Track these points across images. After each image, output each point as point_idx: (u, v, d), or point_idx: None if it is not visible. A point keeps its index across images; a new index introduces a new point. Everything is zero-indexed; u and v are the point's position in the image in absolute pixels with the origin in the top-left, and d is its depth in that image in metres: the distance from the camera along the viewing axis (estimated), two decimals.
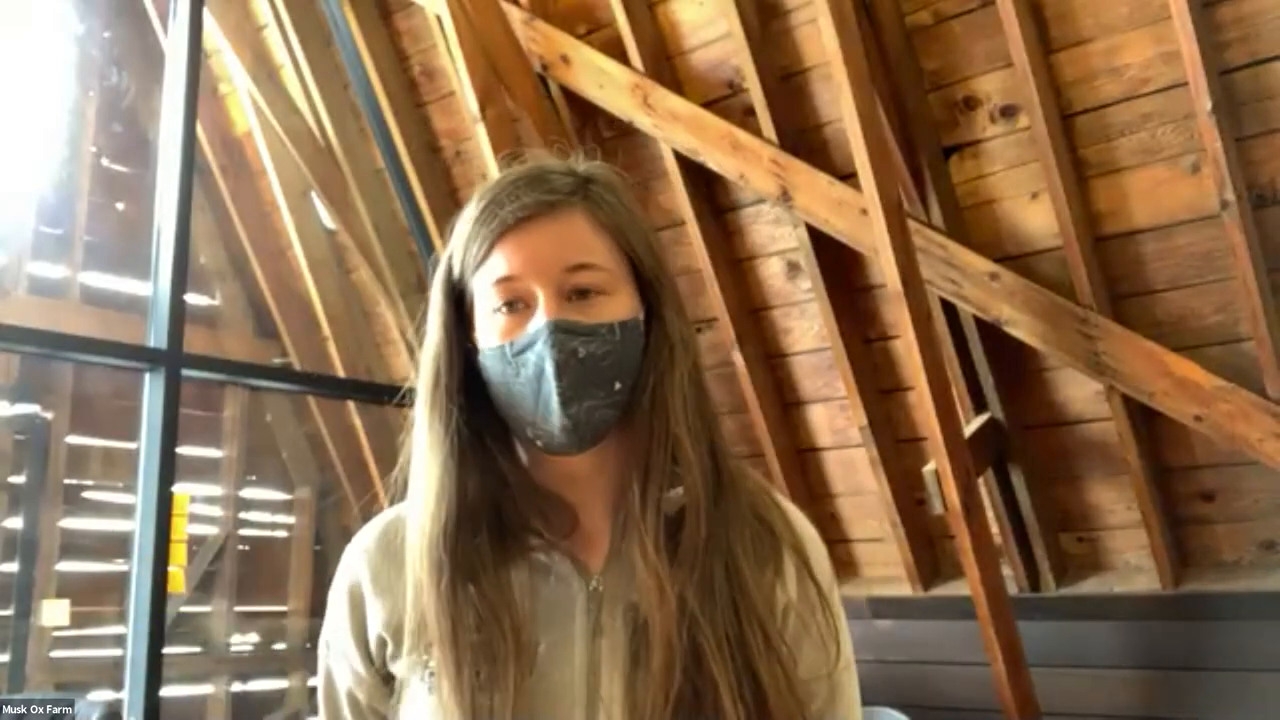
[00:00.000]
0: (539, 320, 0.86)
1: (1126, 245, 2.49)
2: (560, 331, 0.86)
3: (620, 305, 0.90)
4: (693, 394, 0.91)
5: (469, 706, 0.83)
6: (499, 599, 0.87)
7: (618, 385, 0.89)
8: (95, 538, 4.11)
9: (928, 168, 2.65)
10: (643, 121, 2.91)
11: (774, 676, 0.86)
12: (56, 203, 4.14)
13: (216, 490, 4.51)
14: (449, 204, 3.61)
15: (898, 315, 2.44)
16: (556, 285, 0.88)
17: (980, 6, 2.50)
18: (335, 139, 3.79)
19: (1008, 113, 2.56)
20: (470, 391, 0.92)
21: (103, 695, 3.76)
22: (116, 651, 3.83)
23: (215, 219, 4.40)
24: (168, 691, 2.91)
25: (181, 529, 3.92)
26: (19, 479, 3.96)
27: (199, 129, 3.55)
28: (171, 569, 2.98)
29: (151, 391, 3.01)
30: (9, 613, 3.83)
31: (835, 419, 3.09)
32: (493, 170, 2.86)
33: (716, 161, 2.83)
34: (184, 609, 4.31)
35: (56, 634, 3.90)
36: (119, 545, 3.89)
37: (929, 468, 2.50)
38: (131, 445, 3.47)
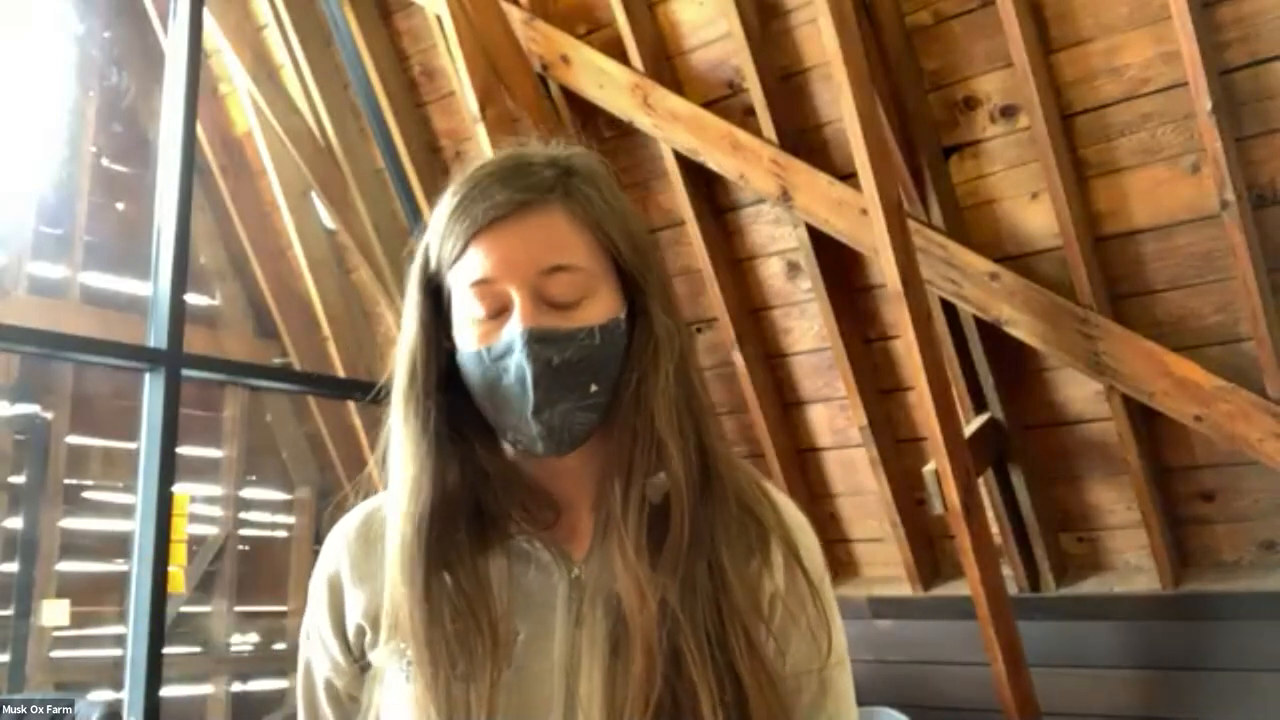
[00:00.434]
0: (514, 327, 0.84)
1: (1126, 245, 2.49)
2: (535, 341, 0.84)
3: (601, 306, 0.87)
4: (678, 391, 0.89)
5: (444, 699, 0.83)
6: (476, 592, 0.86)
7: (594, 388, 0.87)
8: (95, 538, 4.10)
9: (928, 168, 2.65)
10: (643, 121, 2.91)
11: (755, 677, 0.84)
12: (56, 203, 4.13)
13: (216, 490, 4.51)
14: None
15: (898, 315, 2.44)
16: (532, 289, 0.85)
17: (980, 6, 2.50)
18: (335, 139, 3.79)
19: (1008, 113, 2.56)
20: (450, 383, 0.90)
21: (103, 695, 3.76)
22: (116, 651, 3.83)
23: (215, 219, 4.40)
24: (168, 691, 2.91)
25: (181, 529, 3.92)
26: (19, 479, 3.96)
27: (199, 129, 3.55)
28: (171, 569, 2.98)
29: (151, 391, 3.01)
30: (9, 613, 3.83)
31: (835, 419, 3.09)
32: None
33: (716, 161, 2.83)
34: (184, 609, 4.31)
35: (56, 634, 3.90)
36: (119, 545, 3.89)
37: (929, 468, 2.50)
38: (131, 445, 3.47)
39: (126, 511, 3.79)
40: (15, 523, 3.93)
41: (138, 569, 2.87)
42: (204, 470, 4.46)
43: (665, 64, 2.99)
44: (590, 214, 0.88)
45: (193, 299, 3.76)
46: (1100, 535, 2.79)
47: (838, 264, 2.88)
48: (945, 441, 2.41)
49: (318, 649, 0.96)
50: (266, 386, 4.27)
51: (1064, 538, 2.84)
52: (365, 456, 4.24)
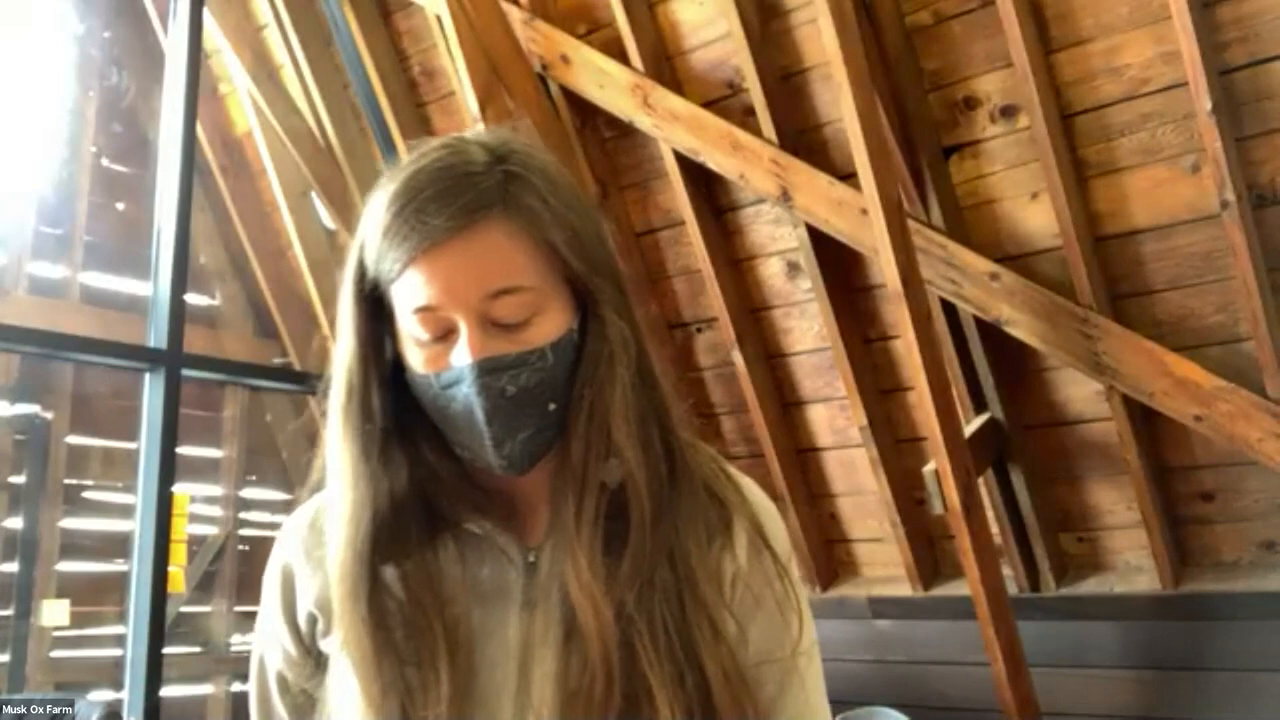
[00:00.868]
0: (462, 358, 0.81)
1: (1126, 245, 2.49)
2: (485, 373, 0.80)
3: (551, 323, 0.83)
4: (635, 398, 0.85)
5: (393, 689, 0.81)
6: (425, 581, 0.84)
7: (552, 406, 0.84)
8: (95, 538, 4.10)
9: (928, 168, 2.65)
10: (643, 121, 2.91)
11: (719, 667, 0.82)
12: (56, 203, 4.13)
13: (216, 490, 4.51)
14: None
15: (898, 315, 2.44)
16: (478, 315, 0.81)
17: (980, 6, 2.50)
18: (335, 139, 3.79)
19: (1008, 113, 2.56)
20: (399, 386, 0.86)
21: (103, 695, 3.76)
22: (116, 651, 3.83)
23: (215, 219, 4.40)
24: (168, 691, 2.92)
25: (181, 529, 3.92)
26: (19, 479, 3.96)
27: (199, 129, 3.56)
28: (171, 569, 2.98)
29: (151, 391, 3.02)
30: (9, 613, 3.83)
31: (835, 419, 3.10)
32: None
33: (716, 161, 2.83)
34: (184, 609, 4.31)
35: (56, 634, 3.90)
36: (119, 545, 3.89)
37: (929, 468, 2.50)
38: (131, 445, 3.47)
39: (126, 511, 3.79)
40: (15, 523, 3.93)
41: (138, 569, 2.88)
42: (204, 470, 4.46)
43: (665, 64, 2.99)
44: (534, 226, 0.83)
45: (193, 299, 3.76)
46: (1100, 535, 2.79)
47: (838, 264, 2.88)
48: (945, 441, 2.41)
49: (271, 641, 0.94)
50: (266, 386, 4.27)
51: (1064, 538, 2.84)
52: None
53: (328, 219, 4.05)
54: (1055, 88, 2.45)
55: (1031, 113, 2.43)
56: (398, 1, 3.51)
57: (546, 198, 0.84)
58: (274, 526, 4.69)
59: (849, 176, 2.61)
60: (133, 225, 4.13)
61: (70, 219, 4.15)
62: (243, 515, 4.56)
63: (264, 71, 3.92)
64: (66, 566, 3.99)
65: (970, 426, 2.67)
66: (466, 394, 0.81)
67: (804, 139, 2.84)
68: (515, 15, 3.04)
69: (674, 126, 2.87)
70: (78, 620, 3.93)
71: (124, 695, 2.88)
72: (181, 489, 3.61)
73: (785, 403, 3.17)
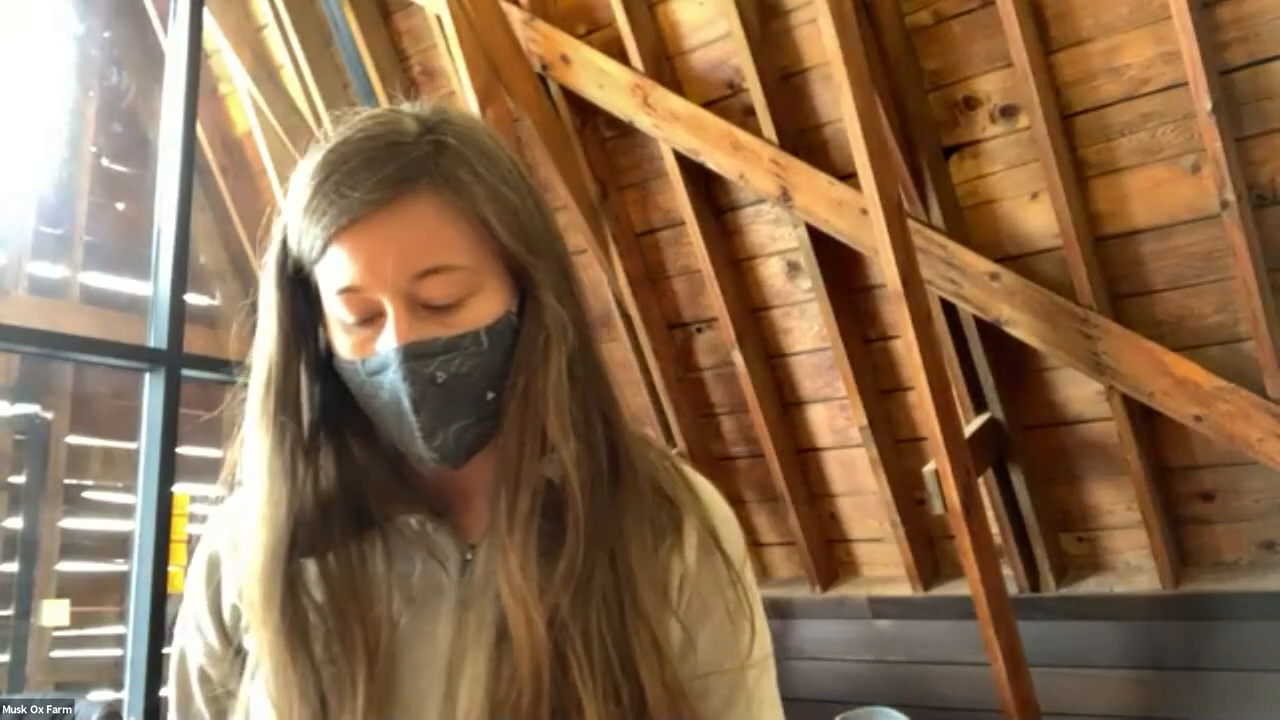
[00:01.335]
0: (388, 341, 0.75)
1: (1126, 245, 2.49)
2: (412, 359, 0.75)
3: (486, 304, 0.78)
4: (573, 387, 0.80)
5: (308, 691, 0.77)
6: (347, 581, 0.80)
7: (490, 395, 0.79)
8: (95, 538, 4.10)
9: (928, 168, 2.65)
10: (643, 121, 2.91)
11: (657, 678, 0.77)
12: (56, 203, 4.14)
13: (216, 490, 4.51)
14: None
15: (898, 315, 2.44)
16: (406, 296, 0.75)
17: (980, 6, 2.50)
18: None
19: (1008, 113, 2.56)
20: (326, 373, 0.82)
21: (103, 695, 3.76)
22: (116, 651, 3.83)
23: (215, 219, 4.40)
24: (168, 691, 2.91)
25: (181, 529, 3.92)
26: (19, 479, 3.96)
27: (199, 129, 3.55)
28: (171, 569, 2.98)
29: (151, 391, 3.02)
30: (9, 613, 3.83)
31: (835, 419, 3.10)
32: None
33: (716, 161, 2.83)
34: None
35: (56, 634, 3.90)
36: (119, 545, 3.89)
37: (929, 468, 2.50)
38: (131, 445, 3.47)
39: (126, 511, 3.79)
40: (15, 523, 3.93)
41: (138, 569, 2.88)
42: (204, 470, 4.45)
43: (665, 64, 2.99)
44: (466, 200, 0.76)
45: (193, 299, 3.76)
46: (1100, 535, 2.79)
47: (838, 264, 2.88)
48: (945, 441, 2.42)
49: (193, 634, 0.88)
50: None
51: (1064, 538, 2.84)
52: None
53: None
54: (1055, 88, 2.45)
55: (1031, 113, 2.43)
56: (398, 1, 3.51)
57: (480, 171, 0.78)
58: None
59: (849, 176, 2.61)
60: (133, 225, 4.13)
61: (70, 219, 4.15)
62: None
63: (264, 71, 3.92)
64: (66, 566, 3.99)
65: (970, 426, 2.67)
66: (393, 381, 0.76)
67: (804, 139, 2.84)
68: (515, 15, 3.04)
69: (674, 126, 2.87)
70: (78, 620, 3.93)
71: (124, 695, 2.88)
72: (181, 489, 3.61)
73: (785, 403, 3.17)
